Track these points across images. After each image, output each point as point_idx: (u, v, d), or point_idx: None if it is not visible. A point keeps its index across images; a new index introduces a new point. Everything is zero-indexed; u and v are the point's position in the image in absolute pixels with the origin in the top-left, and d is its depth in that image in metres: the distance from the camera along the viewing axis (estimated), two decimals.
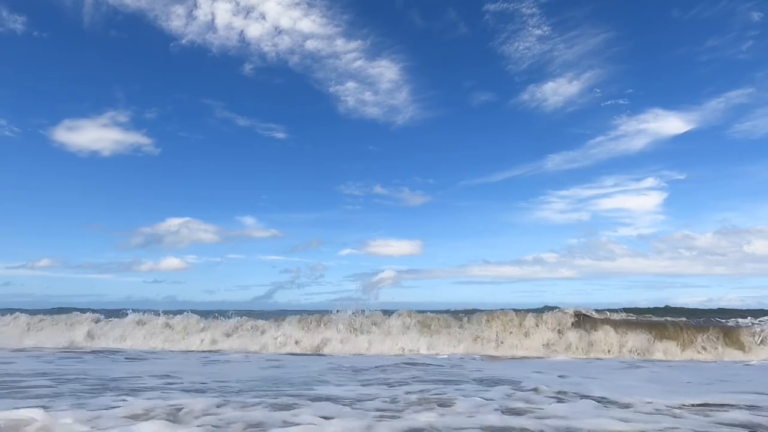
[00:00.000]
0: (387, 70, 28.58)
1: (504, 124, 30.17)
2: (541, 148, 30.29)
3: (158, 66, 30.57)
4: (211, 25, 26.89)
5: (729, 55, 25.16)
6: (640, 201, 27.58)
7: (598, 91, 26.61)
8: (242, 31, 27.26)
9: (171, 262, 31.01)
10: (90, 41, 28.14)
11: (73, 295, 36.42)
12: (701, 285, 29.06)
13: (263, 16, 27.05)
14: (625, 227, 28.93)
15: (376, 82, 28.88)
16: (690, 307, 20.74)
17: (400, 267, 32.95)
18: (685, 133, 25.61)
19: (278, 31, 27.58)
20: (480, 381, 6.64)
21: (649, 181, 26.98)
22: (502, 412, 4.38)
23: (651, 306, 20.56)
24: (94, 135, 27.57)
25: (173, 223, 30.40)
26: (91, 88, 30.37)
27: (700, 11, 25.30)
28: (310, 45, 27.74)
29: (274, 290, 31.69)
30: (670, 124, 25.64)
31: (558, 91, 26.99)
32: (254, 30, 27.39)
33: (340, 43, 28.09)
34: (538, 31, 26.65)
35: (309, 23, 27.53)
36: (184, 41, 27.24)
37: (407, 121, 29.73)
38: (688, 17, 25.81)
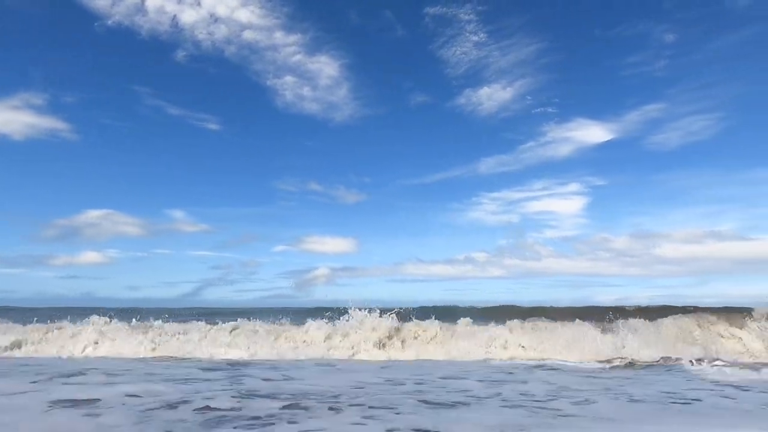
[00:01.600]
0: (327, 66, 28.42)
1: (440, 126, 31.00)
2: (475, 151, 31.42)
3: (80, 46, 28.40)
4: (140, 7, 25.39)
5: (647, 71, 27.42)
6: (564, 205, 29.42)
7: (529, 98, 28.06)
8: (175, 16, 26.01)
9: (89, 256, 29.03)
10: (3, 16, 25.69)
11: None
12: (617, 284, 31.41)
13: (198, 3, 25.94)
14: (550, 229, 30.73)
15: (315, 77, 28.64)
16: (605, 305, 22.39)
17: (335, 264, 32.87)
18: (606, 142, 27.62)
19: (214, 18, 26.61)
20: None
21: (574, 186, 28.84)
22: None
23: (572, 305, 22.10)
24: (3, 117, 25.19)
25: (93, 215, 28.46)
26: (0, 66, 27.73)
27: (623, 30, 27.30)
28: (248, 36, 27.00)
29: (203, 287, 30.60)
30: (594, 133, 27.56)
31: (492, 96, 28.14)
32: (188, 16, 26.24)
33: (279, 36, 27.57)
34: (475, 38, 27.63)
35: (247, 13, 26.79)
36: (110, 22, 25.53)
37: (346, 118, 29.74)
38: (613, 34, 27.81)
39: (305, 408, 4.55)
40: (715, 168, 28.35)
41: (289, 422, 3.99)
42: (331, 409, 4.55)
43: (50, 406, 4.49)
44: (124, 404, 4.62)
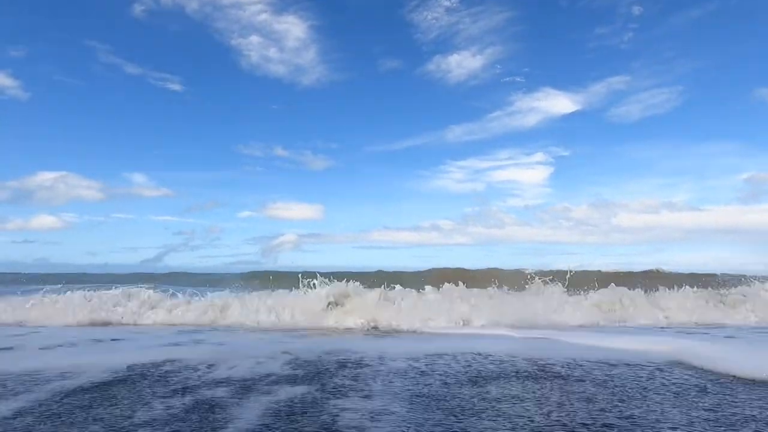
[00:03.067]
0: (294, 27, 27.37)
1: (409, 92, 30.64)
2: (443, 119, 31.33)
3: None
4: None
5: (612, 44, 27.69)
6: (529, 174, 29.94)
7: (498, 67, 27.97)
8: None
9: (44, 220, 27.78)
10: None
11: None
12: (576, 252, 32.61)
13: None
14: (514, 198, 31.35)
15: (282, 38, 27.56)
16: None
17: (302, 231, 32.70)
18: (572, 113, 28.03)
19: None
20: None
21: (539, 156, 29.31)
22: None
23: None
24: None
25: (47, 177, 27.07)
26: None
27: (590, 1, 27.37)
28: None
29: (165, 253, 29.92)
30: (560, 103, 27.87)
31: (462, 64, 27.88)
32: None
33: None
34: (447, 3, 27.09)
35: None
36: None
37: (313, 82, 28.93)
38: (581, 4, 27.82)
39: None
40: (672, 141, 29.34)
41: None
42: None
43: None
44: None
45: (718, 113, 28.01)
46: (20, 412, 3.21)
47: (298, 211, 30.42)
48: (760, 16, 25.98)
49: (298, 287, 10.64)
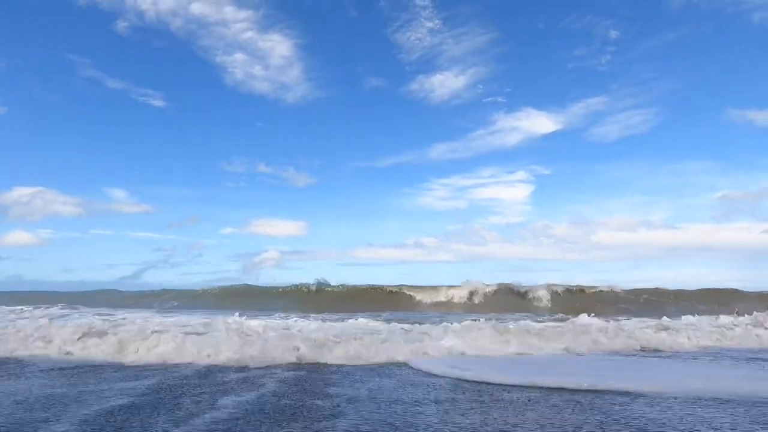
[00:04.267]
0: (279, 45, 27.61)
1: (393, 110, 31.08)
2: (426, 137, 31.85)
3: (8, 9, 26.04)
4: None
5: (591, 65, 28.72)
6: (511, 192, 30.51)
7: (480, 87, 28.65)
8: None
9: (19, 236, 27.05)
10: None
11: None
12: (557, 269, 33.20)
13: None
14: (496, 215, 31.85)
15: (267, 56, 27.75)
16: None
17: (284, 248, 32.55)
18: (552, 132, 28.81)
19: None
20: None
21: (520, 174, 29.93)
22: None
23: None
24: None
25: (22, 192, 26.47)
26: None
27: (570, 23, 28.33)
28: (196, 9, 25.71)
29: (144, 269, 29.30)
30: (541, 123, 28.63)
31: (445, 83, 28.48)
32: None
33: (229, 11, 26.43)
34: (430, 24, 27.76)
35: None
36: None
37: (298, 99, 29.12)
38: (561, 26, 28.76)
39: None
40: (649, 160, 30.31)
41: None
42: None
43: None
44: None
45: (693, 133, 29.10)
46: None
47: (281, 227, 30.29)
48: (731, 39, 27.26)
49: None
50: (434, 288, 22.09)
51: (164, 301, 21.57)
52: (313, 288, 21.74)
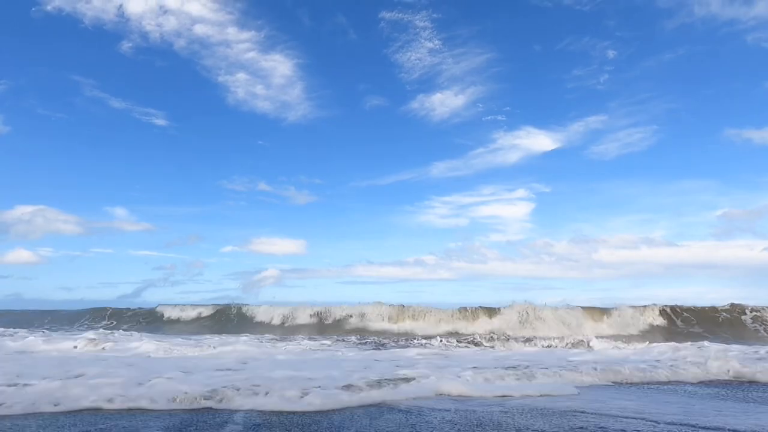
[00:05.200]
0: (281, 65, 28.07)
1: (393, 129, 31.42)
2: (427, 155, 32.10)
3: (14, 32, 26.55)
4: None
5: (589, 84, 29.14)
6: (511, 210, 30.63)
7: (480, 105, 29.02)
8: (121, 5, 24.89)
9: (20, 254, 27.14)
10: None
11: None
12: (558, 287, 33.16)
13: None
14: (497, 233, 31.91)
15: (268, 75, 28.19)
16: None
17: (284, 266, 32.61)
18: (552, 150, 29.03)
19: (163, 10, 25.68)
20: None
21: (521, 192, 30.08)
22: None
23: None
24: None
25: (24, 210, 26.65)
26: None
27: (569, 43, 28.82)
28: (199, 30, 26.22)
29: (145, 288, 29.31)
30: (540, 141, 28.87)
31: (445, 102, 28.83)
32: (135, 5, 25.19)
33: (232, 32, 26.94)
34: (430, 44, 28.24)
35: (198, 6, 26.01)
36: (49, 7, 24.11)
37: (299, 118, 29.49)
38: (560, 47, 29.24)
39: None
40: (648, 178, 30.45)
41: None
42: None
43: None
44: None
45: (692, 152, 29.33)
46: None
47: (281, 246, 30.34)
48: (726, 59, 27.62)
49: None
50: None
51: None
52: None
